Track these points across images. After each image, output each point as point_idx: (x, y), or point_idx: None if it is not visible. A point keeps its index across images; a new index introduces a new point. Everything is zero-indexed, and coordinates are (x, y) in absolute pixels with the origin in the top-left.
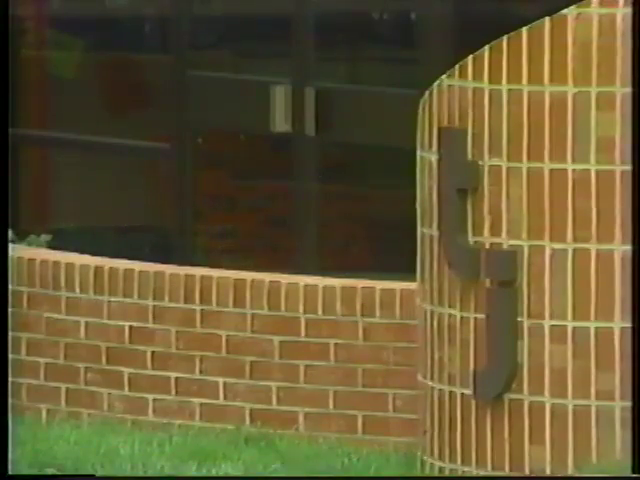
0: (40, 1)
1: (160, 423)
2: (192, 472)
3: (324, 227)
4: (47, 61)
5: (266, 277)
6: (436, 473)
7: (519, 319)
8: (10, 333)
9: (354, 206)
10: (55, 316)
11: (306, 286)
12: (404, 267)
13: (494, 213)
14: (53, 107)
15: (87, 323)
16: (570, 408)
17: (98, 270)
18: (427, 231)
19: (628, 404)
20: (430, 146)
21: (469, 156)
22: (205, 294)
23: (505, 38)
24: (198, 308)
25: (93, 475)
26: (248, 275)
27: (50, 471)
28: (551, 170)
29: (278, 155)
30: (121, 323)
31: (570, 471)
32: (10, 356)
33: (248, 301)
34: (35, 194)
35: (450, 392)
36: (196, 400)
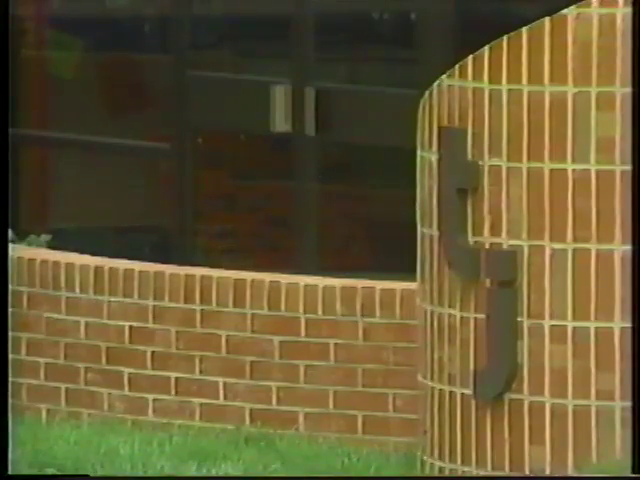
0: (40, 1)
1: (160, 423)
2: (192, 472)
3: (324, 227)
4: (47, 61)
5: (266, 277)
6: (436, 473)
7: (519, 319)
8: (10, 333)
9: (354, 206)
10: (55, 316)
11: (306, 286)
12: (404, 267)
13: (494, 213)
14: (53, 107)
15: (87, 323)
16: (570, 408)
17: (98, 270)
18: (427, 231)
19: (628, 404)
20: (430, 146)
21: (469, 156)
22: (205, 294)
23: (505, 38)
24: (198, 308)
25: (89, 475)
26: (248, 275)
27: (50, 471)
28: (551, 170)
29: (278, 155)
30: (121, 323)
31: (570, 471)
32: (10, 356)
33: (248, 301)
34: (35, 194)
35: (450, 392)
36: (196, 400)
